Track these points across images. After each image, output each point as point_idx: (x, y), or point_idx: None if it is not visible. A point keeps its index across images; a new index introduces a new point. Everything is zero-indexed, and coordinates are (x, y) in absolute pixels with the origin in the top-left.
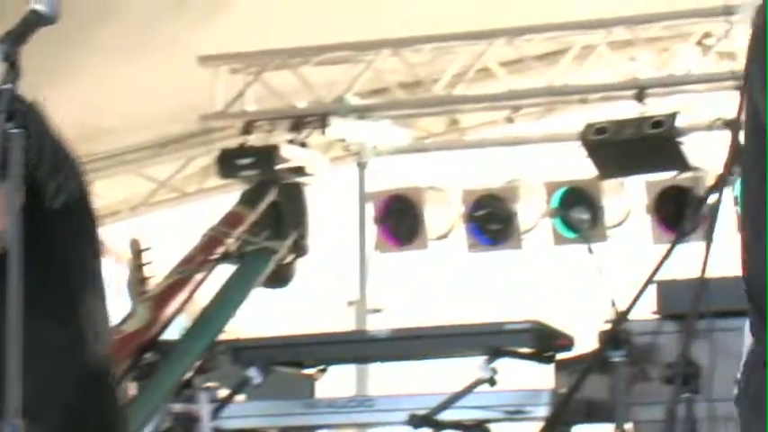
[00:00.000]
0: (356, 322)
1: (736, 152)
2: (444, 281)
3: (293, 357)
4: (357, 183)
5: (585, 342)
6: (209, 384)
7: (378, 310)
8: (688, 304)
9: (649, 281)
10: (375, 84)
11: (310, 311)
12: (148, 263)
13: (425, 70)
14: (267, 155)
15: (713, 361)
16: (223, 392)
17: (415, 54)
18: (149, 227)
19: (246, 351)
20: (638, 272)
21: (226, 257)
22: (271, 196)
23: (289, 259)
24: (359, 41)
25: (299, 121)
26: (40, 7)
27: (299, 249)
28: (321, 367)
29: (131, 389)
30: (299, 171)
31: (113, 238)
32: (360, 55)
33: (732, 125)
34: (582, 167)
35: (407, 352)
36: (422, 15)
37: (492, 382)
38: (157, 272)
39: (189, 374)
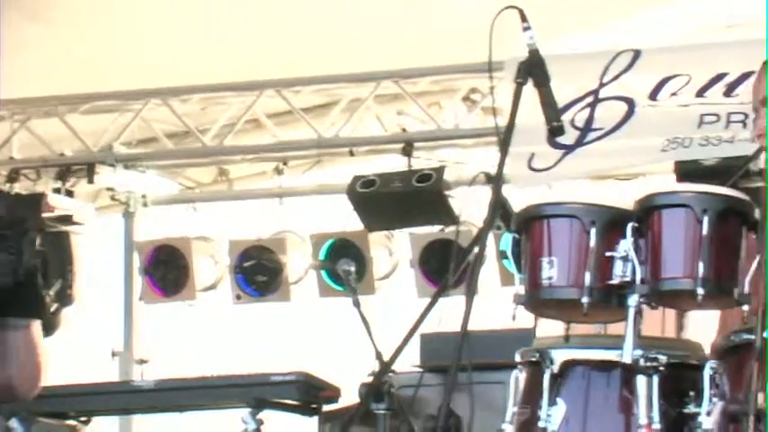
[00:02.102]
0: (121, 373)
1: (496, 206)
2: (211, 332)
3: (57, 408)
4: (124, 232)
5: (354, 394)
6: None
7: (143, 361)
8: (450, 357)
9: (412, 333)
10: (143, 133)
11: (75, 362)
12: None
13: (194, 120)
14: (33, 203)
15: (474, 413)
16: None
17: (184, 104)
18: None
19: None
20: (404, 324)
21: None
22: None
23: (54, 308)
24: (127, 90)
25: (66, 170)
26: None
27: (65, 299)
28: (85, 418)
29: None
30: (66, 220)
31: None
32: (128, 104)
33: (494, 180)
34: (350, 220)
35: (172, 403)
36: (191, 65)
37: None
38: None
39: None
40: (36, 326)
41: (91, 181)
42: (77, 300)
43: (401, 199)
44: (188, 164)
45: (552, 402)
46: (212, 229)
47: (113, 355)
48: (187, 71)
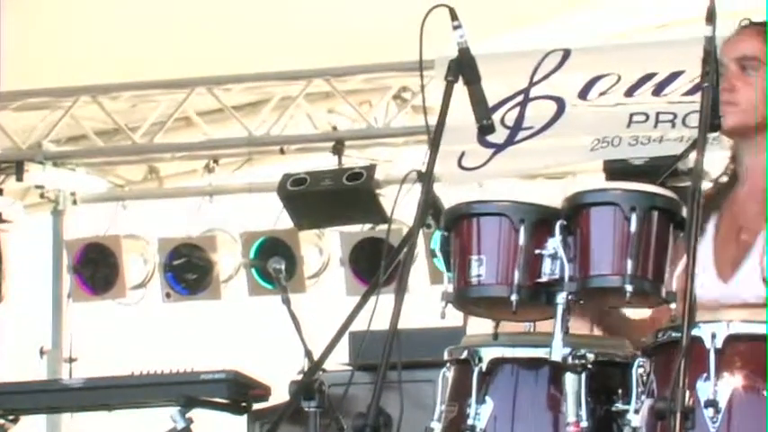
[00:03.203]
0: (50, 371)
1: (426, 205)
2: (141, 330)
3: None
4: (53, 230)
5: (283, 392)
6: None
7: (72, 360)
8: (379, 355)
9: (342, 332)
10: (73, 131)
11: (3, 360)
12: None
13: (124, 118)
14: None
15: (403, 411)
16: None
17: (114, 101)
18: None
19: None
20: (334, 323)
21: None
22: None
23: None
24: (57, 88)
25: None
26: None
27: None
28: (13, 417)
29: None
30: None
31: None
32: (58, 101)
33: (425, 178)
34: (280, 218)
35: (101, 401)
36: (120, 62)
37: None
38: None
39: None
40: None
41: (20, 179)
42: (6, 298)
43: (331, 197)
44: (118, 161)
45: (480, 400)
46: (142, 228)
47: (42, 353)
48: (117, 68)
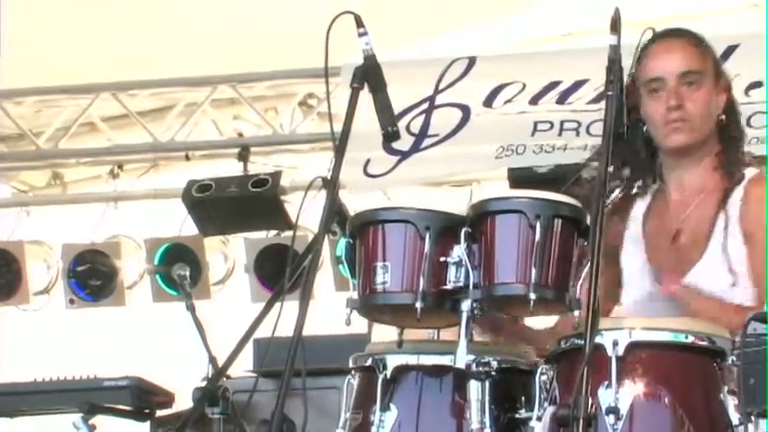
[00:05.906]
0: None
1: (331, 212)
2: (44, 336)
3: None
4: None
5: (187, 399)
6: None
7: None
8: (283, 362)
9: (246, 338)
10: None
11: None
12: None
13: (28, 123)
14: None
15: (307, 418)
16: None
17: (18, 106)
18: None
19: None
20: (239, 329)
21: None
22: None
23: None
24: None
25: None
26: None
27: None
28: None
29: None
30: None
31: None
32: None
33: (330, 184)
34: (185, 224)
35: (3, 408)
36: (25, 67)
37: None
38: None
39: None
40: None
41: None
42: None
43: (237, 204)
44: (21, 167)
45: (385, 408)
46: (46, 233)
47: None
48: (21, 73)
